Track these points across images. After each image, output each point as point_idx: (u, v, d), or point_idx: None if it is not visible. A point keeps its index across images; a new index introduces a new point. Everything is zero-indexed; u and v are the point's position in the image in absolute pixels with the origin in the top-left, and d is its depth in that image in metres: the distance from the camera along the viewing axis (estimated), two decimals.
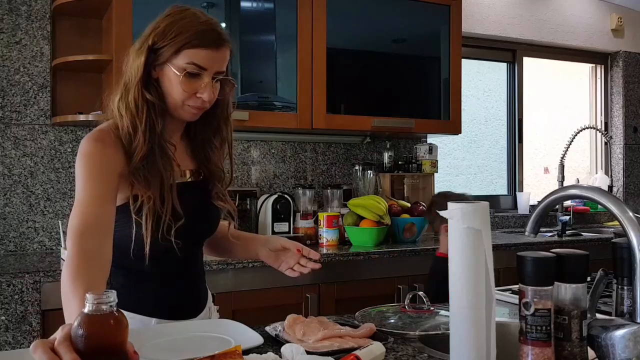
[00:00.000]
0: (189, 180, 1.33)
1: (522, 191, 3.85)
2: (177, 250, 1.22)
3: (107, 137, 1.21)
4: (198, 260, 1.41)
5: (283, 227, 2.73)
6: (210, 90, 1.21)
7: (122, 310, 1.21)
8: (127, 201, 1.21)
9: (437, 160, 3.20)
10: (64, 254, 2.19)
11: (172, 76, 1.20)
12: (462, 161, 3.79)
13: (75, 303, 1.01)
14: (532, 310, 0.90)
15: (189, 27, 1.18)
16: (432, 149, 3.18)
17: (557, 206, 3.63)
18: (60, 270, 2.00)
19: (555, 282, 0.93)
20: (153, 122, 1.21)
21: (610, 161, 4.15)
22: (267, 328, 1.22)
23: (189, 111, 1.24)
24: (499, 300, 1.55)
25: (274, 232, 2.68)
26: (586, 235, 3.36)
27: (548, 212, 1.12)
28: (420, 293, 1.39)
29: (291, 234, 2.71)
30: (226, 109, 1.33)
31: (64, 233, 2.44)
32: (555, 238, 3.27)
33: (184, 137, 1.35)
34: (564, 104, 4.24)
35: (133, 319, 1.25)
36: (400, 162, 3.19)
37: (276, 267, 1.46)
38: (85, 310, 0.80)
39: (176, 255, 1.24)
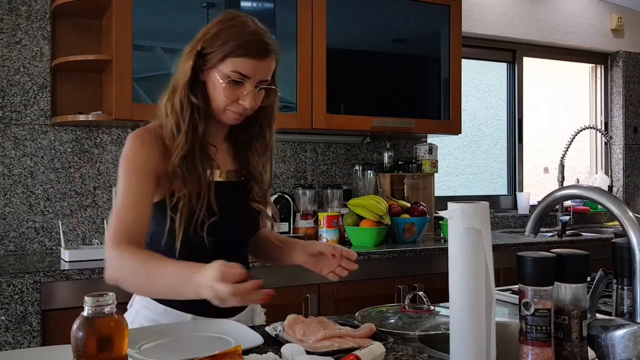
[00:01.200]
0: (228, 180, 1.36)
1: (522, 191, 3.85)
2: (209, 246, 1.24)
3: (146, 135, 1.27)
4: (238, 260, 1.39)
5: (283, 227, 2.72)
6: (251, 99, 1.25)
7: (169, 308, 1.30)
8: (164, 197, 1.26)
9: (437, 160, 3.20)
10: (64, 254, 2.19)
11: (216, 82, 1.24)
12: (462, 161, 3.79)
13: (157, 275, 1.15)
14: (532, 310, 0.90)
15: (236, 35, 1.22)
16: (432, 149, 3.18)
17: (557, 206, 3.63)
18: (60, 270, 2.01)
19: (555, 282, 0.93)
20: (196, 124, 1.25)
21: (610, 161, 4.15)
22: (267, 328, 1.22)
23: (230, 116, 1.28)
24: (499, 300, 1.55)
25: None
26: (586, 235, 3.36)
27: (548, 212, 1.12)
28: (420, 293, 1.39)
29: (291, 234, 2.71)
30: (270, 115, 1.36)
31: (64, 233, 2.44)
32: (555, 238, 3.26)
33: (227, 139, 1.39)
34: (564, 104, 4.24)
35: (171, 314, 1.31)
36: (400, 162, 3.19)
37: (318, 272, 1.44)
38: (85, 313, 0.80)
39: (211, 253, 1.23)
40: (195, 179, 1.24)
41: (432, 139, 3.30)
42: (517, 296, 0.99)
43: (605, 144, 4.20)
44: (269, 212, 1.41)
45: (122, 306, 1.45)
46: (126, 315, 1.38)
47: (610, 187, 3.97)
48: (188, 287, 1.09)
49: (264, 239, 1.49)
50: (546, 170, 4.15)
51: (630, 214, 0.95)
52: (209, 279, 1.04)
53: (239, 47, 1.21)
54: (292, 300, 2.31)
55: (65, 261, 2.17)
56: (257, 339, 1.15)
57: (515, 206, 3.83)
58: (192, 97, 1.24)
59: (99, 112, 2.48)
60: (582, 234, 3.39)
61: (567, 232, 3.38)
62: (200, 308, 1.30)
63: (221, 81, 1.23)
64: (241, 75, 1.23)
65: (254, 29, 1.25)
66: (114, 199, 2.72)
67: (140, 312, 1.34)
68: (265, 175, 1.40)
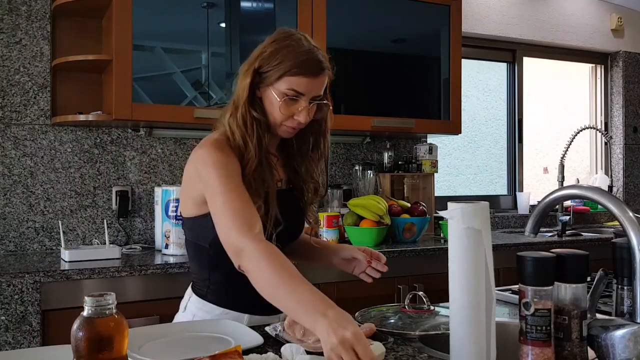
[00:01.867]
0: (281, 188, 1.43)
1: (522, 191, 3.85)
2: None
3: (224, 146, 1.31)
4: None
5: None
6: (306, 114, 1.32)
7: (226, 309, 1.35)
8: None
9: (437, 160, 3.20)
10: (64, 254, 2.19)
11: (273, 99, 1.31)
12: (462, 161, 3.79)
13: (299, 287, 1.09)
14: (532, 310, 0.90)
15: (292, 55, 1.28)
16: (432, 149, 3.18)
17: (557, 206, 3.63)
18: (60, 270, 2.00)
19: (555, 282, 0.93)
20: (261, 137, 1.32)
21: (610, 161, 4.15)
22: (267, 328, 1.22)
23: (285, 130, 1.36)
24: (499, 300, 1.55)
25: None
26: (586, 235, 3.35)
27: (548, 212, 1.12)
28: (420, 293, 1.39)
29: None
30: (324, 126, 1.44)
31: (64, 233, 2.44)
32: (555, 238, 3.26)
33: (279, 149, 1.46)
34: (564, 104, 4.24)
35: (228, 315, 1.36)
36: (400, 162, 3.19)
37: (349, 272, 1.51)
38: (85, 313, 0.80)
39: None
40: (262, 189, 1.30)
41: (432, 139, 3.30)
42: (517, 296, 0.99)
43: (605, 144, 4.20)
44: (311, 216, 1.50)
45: (171, 301, 1.48)
46: (179, 317, 1.43)
47: (610, 187, 3.97)
48: (309, 317, 1.03)
49: (304, 241, 1.56)
50: (546, 170, 4.15)
51: (630, 214, 0.95)
52: (346, 329, 0.96)
53: (294, 66, 1.28)
54: None
55: (65, 261, 2.17)
56: (257, 339, 1.15)
57: (515, 206, 3.83)
58: (253, 112, 1.31)
59: (99, 112, 2.48)
60: (582, 234, 3.39)
61: (567, 232, 3.38)
62: (255, 307, 1.35)
63: (278, 99, 1.30)
64: (296, 92, 1.30)
65: (308, 48, 1.31)
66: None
67: (198, 315, 1.39)
68: (319, 181, 1.46)
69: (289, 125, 1.34)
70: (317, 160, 1.45)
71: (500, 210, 3.77)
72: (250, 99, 1.32)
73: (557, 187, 3.38)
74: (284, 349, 1.05)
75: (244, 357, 0.99)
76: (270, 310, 1.34)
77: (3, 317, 1.93)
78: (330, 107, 1.41)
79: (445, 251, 0.94)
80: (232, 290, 1.37)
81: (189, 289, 1.46)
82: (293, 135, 1.38)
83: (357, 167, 3.10)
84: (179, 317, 1.44)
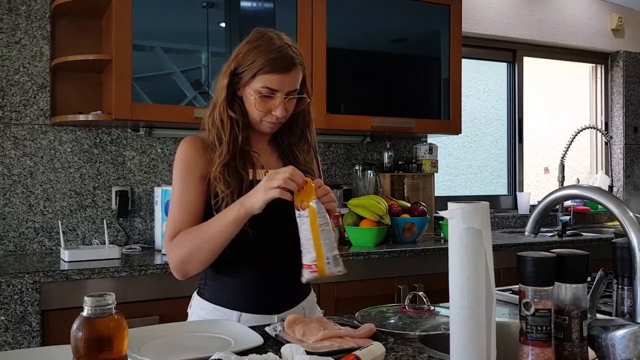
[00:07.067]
0: None
1: (522, 191, 3.85)
2: (253, 237, 1.32)
3: (196, 141, 1.41)
4: (283, 256, 1.41)
5: None
6: (282, 109, 1.37)
7: (217, 306, 1.38)
8: (209, 198, 1.38)
9: (437, 160, 3.19)
10: (64, 254, 2.19)
11: (250, 97, 1.37)
12: (462, 161, 3.79)
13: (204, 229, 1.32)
14: (532, 310, 0.90)
15: (263, 54, 1.33)
16: (432, 149, 3.18)
17: (558, 206, 3.63)
18: (60, 270, 2.01)
19: (556, 282, 0.93)
20: (236, 135, 1.39)
21: (611, 161, 4.15)
22: (267, 328, 1.22)
23: (266, 125, 1.41)
24: (499, 300, 1.55)
25: None
26: (586, 235, 3.35)
27: (548, 212, 1.12)
28: (420, 293, 1.39)
29: None
30: (307, 117, 1.48)
31: (64, 233, 2.44)
32: (556, 238, 3.26)
33: (271, 143, 1.50)
34: (564, 104, 4.23)
35: (219, 311, 1.38)
36: (400, 162, 3.19)
37: None
38: (85, 313, 0.80)
39: (256, 243, 1.35)
40: (237, 180, 1.36)
41: (432, 139, 3.30)
42: (517, 296, 0.99)
43: (606, 143, 4.20)
44: None
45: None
46: (188, 317, 1.47)
47: (611, 187, 3.97)
48: (240, 205, 1.27)
49: None
50: (546, 170, 4.14)
51: (631, 214, 0.95)
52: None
53: (266, 64, 1.32)
54: None
55: (65, 261, 2.17)
56: (257, 339, 1.15)
57: (515, 206, 3.83)
58: (230, 112, 1.38)
59: (98, 112, 2.48)
60: (583, 234, 3.39)
61: (567, 232, 3.38)
62: (247, 305, 1.37)
63: (253, 97, 1.35)
64: (270, 90, 1.34)
65: (279, 45, 1.35)
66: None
67: (195, 312, 1.43)
68: (312, 168, 1.51)
69: (268, 121, 1.39)
70: (306, 150, 1.50)
71: (501, 210, 3.77)
72: (229, 99, 1.38)
73: (557, 187, 3.38)
74: (284, 349, 1.05)
75: (244, 357, 0.98)
76: (262, 309, 1.37)
77: (3, 317, 1.93)
78: (310, 100, 1.45)
79: (445, 251, 0.94)
80: (223, 286, 1.40)
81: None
82: (275, 129, 1.43)
83: (357, 167, 3.10)
84: (188, 317, 1.48)
